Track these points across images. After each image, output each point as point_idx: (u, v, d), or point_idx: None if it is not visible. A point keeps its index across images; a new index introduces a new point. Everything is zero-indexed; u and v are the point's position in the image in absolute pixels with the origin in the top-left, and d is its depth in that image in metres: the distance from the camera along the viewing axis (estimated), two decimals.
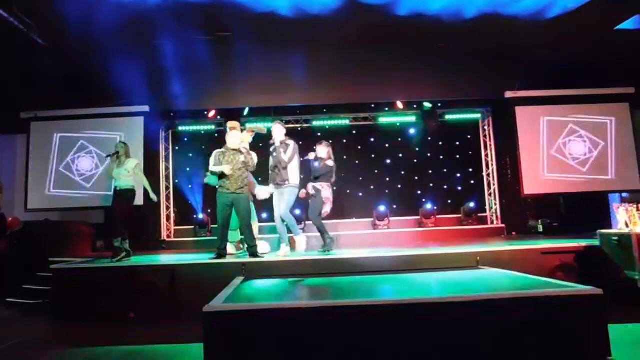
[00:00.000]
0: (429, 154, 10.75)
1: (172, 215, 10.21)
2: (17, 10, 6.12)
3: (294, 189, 6.01)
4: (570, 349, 3.11)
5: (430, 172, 10.70)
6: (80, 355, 4.20)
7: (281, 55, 8.05)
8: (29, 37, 6.60)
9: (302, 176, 6.35)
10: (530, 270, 4.79)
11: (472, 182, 10.69)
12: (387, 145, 10.80)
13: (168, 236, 9.93)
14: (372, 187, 10.72)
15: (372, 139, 10.84)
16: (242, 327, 3.05)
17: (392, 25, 7.27)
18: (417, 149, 10.77)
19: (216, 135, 10.34)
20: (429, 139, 10.69)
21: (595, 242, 5.86)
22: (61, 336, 4.92)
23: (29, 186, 8.85)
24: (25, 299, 6.41)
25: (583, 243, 5.90)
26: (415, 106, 10.20)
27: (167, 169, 10.20)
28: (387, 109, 10.44)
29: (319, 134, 10.62)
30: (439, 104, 10.16)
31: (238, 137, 5.90)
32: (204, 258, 5.73)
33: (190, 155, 10.47)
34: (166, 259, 6.49)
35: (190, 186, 10.27)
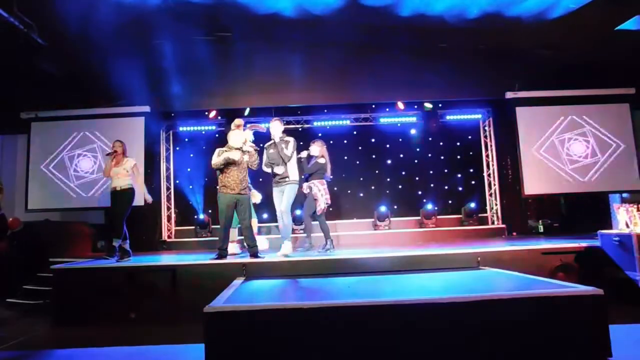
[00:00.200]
0: (429, 155, 10.74)
1: (173, 215, 10.22)
2: (17, 10, 6.12)
3: (295, 186, 6.02)
4: (570, 349, 3.11)
5: (431, 172, 10.69)
6: (81, 356, 4.20)
7: (282, 55, 8.06)
8: (30, 37, 6.59)
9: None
10: (531, 270, 4.80)
11: (473, 182, 10.68)
12: (387, 146, 10.79)
13: (169, 236, 9.93)
14: (372, 187, 10.71)
15: (373, 140, 10.83)
16: (242, 327, 3.05)
17: (393, 25, 7.26)
18: (417, 150, 10.77)
19: (217, 135, 10.36)
20: (430, 139, 10.68)
21: (596, 243, 5.86)
22: (62, 337, 4.92)
23: (29, 186, 8.84)
24: (25, 299, 6.42)
25: (583, 243, 5.90)
26: (415, 106, 10.21)
27: (167, 169, 10.20)
28: (387, 109, 10.44)
29: (320, 134, 10.61)
30: (440, 105, 10.15)
31: (241, 136, 5.88)
32: (205, 258, 5.73)
33: (191, 155, 10.46)
34: (167, 259, 6.50)
35: (190, 186, 10.26)
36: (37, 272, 6.71)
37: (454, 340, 3.08)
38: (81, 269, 5.68)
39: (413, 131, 10.74)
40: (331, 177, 6.52)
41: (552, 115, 9.13)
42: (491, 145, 10.33)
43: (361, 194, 10.67)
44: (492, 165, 10.31)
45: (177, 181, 10.33)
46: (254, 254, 5.72)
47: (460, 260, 5.47)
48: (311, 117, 10.45)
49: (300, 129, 10.39)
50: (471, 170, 10.72)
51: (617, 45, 7.77)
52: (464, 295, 3.28)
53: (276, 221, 6.39)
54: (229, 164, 5.68)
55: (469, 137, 10.73)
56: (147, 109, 9.02)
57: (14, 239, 7.32)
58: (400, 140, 10.78)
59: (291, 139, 6.03)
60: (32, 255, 7.07)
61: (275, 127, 6.05)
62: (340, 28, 7.17)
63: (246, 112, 9.88)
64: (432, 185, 10.66)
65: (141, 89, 8.21)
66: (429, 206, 10.07)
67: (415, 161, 10.74)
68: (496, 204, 10.19)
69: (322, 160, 6.41)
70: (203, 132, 10.45)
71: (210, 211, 9.93)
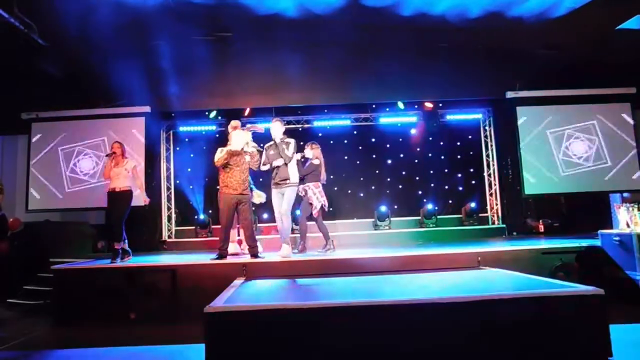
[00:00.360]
0: (430, 154, 10.73)
1: (173, 215, 10.22)
2: (17, 11, 6.12)
3: (295, 188, 6.01)
4: (571, 349, 3.11)
5: (431, 172, 10.68)
6: (82, 356, 4.21)
7: (282, 55, 8.04)
8: (30, 37, 6.60)
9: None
10: (531, 270, 4.80)
11: (473, 182, 10.68)
12: (388, 146, 10.79)
13: (169, 237, 9.94)
14: (373, 187, 10.71)
15: (373, 139, 10.83)
16: (243, 327, 3.05)
17: (393, 25, 7.26)
18: (418, 149, 10.76)
19: (217, 135, 10.36)
20: (430, 139, 10.68)
21: (596, 242, 5.86)
22: (62, 337, 4.92)
23: (29, 187, 8.85)
24: (26, 299, 6.42)
25: (584, 243, 5.90)
26: (416, 106, 10.21)
27: (167, 169, 10.21)
28: (388, 109, 10.44)
29: (320, 134, 10.63)
30: (440, 104, 10.15)
31: (244, 137, 5.87)
32: (205, 258, 5.73)
33: (191, 155, 10.47)
34: (167, 259, 6.49)
35: (191, 187, 10.26)
36: (37, 273, 6.72)
37: (454, 340, 3.08)
38: (81, 270, 5.68)
39: (413, 131, 10.74)
40: (324, 181, 6.49)
41: (552, 115, 9.12)
42: (491, 145, 10.33)
43: (361, 194, 10.67)
44: (493, 165, 10.31)
45: (178, 181, 10.33)
46: (254, 254, 5.72)
47: (461, 260, 5.47)
48: (311, 117, 10.46)
49: (300, 129, 10.39)
50: (471, 170, 10.72)
51: (617, 45, 7.76)
52: (464, 295, 3.28)
53: (275, 222, 6.36)
54: (230, 164, 5.68)
55: (470, 136, 10.73)
56: (147, 109, 9.02)
57: (15, 239, 7.32)
58: (401, 140, 10.78)
59: (292, 140, 6.02)
60: (32, 255, 7.07)
61: (276, 128, 6.03)
62: (340, 28, 7.16)
63: (246, 112, 9.90)
64: (432, 185, 10.65)
65: (141, 89, 8.21)
66: (429, 206, 10.07)
67: (416, 161, 10.74)
68: (496, 204, 10.19)
69: (316, 162, 6.42)
70: (203, 133, 10.45)
71: (210, 211, 9.93)
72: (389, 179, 10.73)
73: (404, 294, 3.80)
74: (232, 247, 6.35)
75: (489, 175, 10.42)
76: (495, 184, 10.26)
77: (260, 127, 6.31)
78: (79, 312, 5.34)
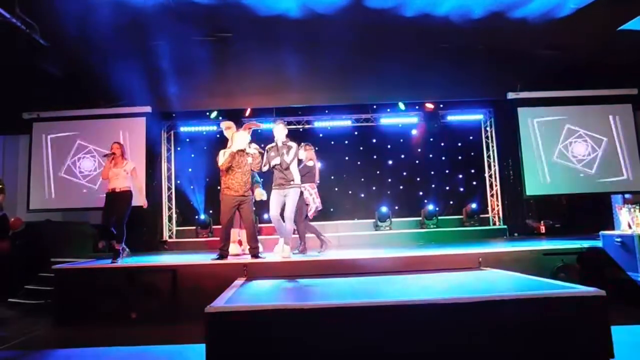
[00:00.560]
0: (430, 155, 10.73)
1: (174, 216, 10.23)
2: (19, 11, 6.12)
3: (298, 189, 5.98)
4: (572, 350, 3.10)
5: (432, 173, 10.68)
6: (82, 356, 4.21)
7: (283, 55, 8.04)
8: (31, 38, 6.60)
9: None
10: (532, 271, 4.79)
11: (474, 183, 10.68)
12: (388, 146, 10.78)
13: (170, 237, 9.94)
14: (373, 188, 10.71)
15: (374, 140, 10.83)
16: (243, 327, 3.05)
17: (394, 26, 7.25)
18: (419, 150, 10.76)
19: (217, 136, 10.35)
20: (431, 139, 10.68)
21: (598, 243, 5.85)
22: (63, 336, 4.92)
23: (31, 187, 8.86)
24: (27, 299, 6.43)
25: (585, 244, 5.89)
26: (417, 107, 10.20)
27: (168, 169, 10.21)
28: (389, 109, 10.44)
29: (321, 135, 10.63)
30: (441, 105, 10.15)
31: (246, 138, 5.88)
32: (206, 259, 5.73)
33: (192, 156, 10.48)
34: (168, 259, 6.49)
35: (192, 187, 10.27)
36: (38, 272, 6.72)
37: (455, 341, 3.07)
38: (82, 269, 5.68)
39: (414, 132, 10.74)
40: (318, 182, 6.51)
41: (554, 116, 9.11)
42: (492, 146, 10.32)
43: (362, 195, 10.67)
44: (494, 165, 10.30)
45: (178, 181, 10.34)
46: (255, 255, 5.72)
47: (462, 261, 5.46)
48: (312, 118, 10.46)
49: (301, 129, 10.39)
50: (472, 171, 10.71)
51: (619, 46, 7.75)
52: (465, 296, 3.27)
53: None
54: (232, 165, 5.70)
55: (471, 137, 10.73)
56: (148, 109, 9.03)
57: (16, 239, 7.33)
58: (402, 140, 10.78)
59: (294, 145, 5.93)
60: (33, 255, 7.08)
61: (279, 131, 5.97)
62: (341, 28, 7.15)
63: (247, 113, 9.90)
64: (433, 185, 10.65)
65: (142, 89, 8.22)
66: (430, 207, 10.07)
67: (417, 162, 10.74)
68: (497, 205, 10.18)
69: (310, 163, 6.44)
70: (204, 133, 10.45)
71: (211, 211, 9.93)
72: (389, 180, 10.72)
73: (405, 295, 3.80)
74: (232, 248, 6.36)
75: (490, 176, 10.41)
76: (496, 185, 10.25)
77: (259, 124, 6.31)
78: (79, 312, 5.34)
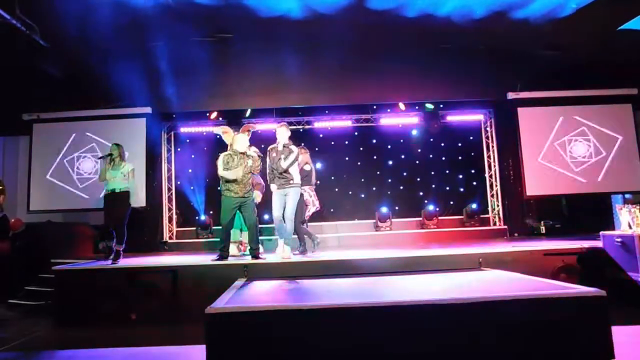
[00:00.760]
0: (431, 155, 10.73)
1: (174, 216, 10.22)
2: (19, 12, 6.13)
3: (298, 189, 5.99)
4: (572, 351, 3.10)
5: (432, 173, 10.68)
6: (83, 357, 4.21)
7: (283, 56, 8.04)
8: (32, 38, 6.61)
9: None
10: (533, 271, 4.78)
11: (474, 183, 10.67)
12: (389, 147, 10.78)
13: (170, 237, 9.93)
14: (374, 188, 10.71)
15: (374, 140, 10.83)
16: (244, 328, 3.05)
17: (395, 27, 7.25)
18: (419, 150, 10.76)
19: (218, 137, 10.33)
20: (431, 140, 10.67)
21: (598, 244, 5.85)
22: (63, 337, 4.92)
23: (31, 187, 8.86)
24: (27, 300, 6.43)
25: (586, 244, 5.89)
26: (417, 107, 10.20)
27: (168, 170, 10.21)
28: (389, 110, 10.44)
29: (321, 135, 10.64)
30: (441, 105, 10.14)
31: (246, 141, 5.90)
32: (206, 259, 5.73)
33: (192, 156, 10.48)
34: (168, 260, 6.49)
35: (192, 187, 10.27)
36: (38, 273, 6.73)
37: (456, 341, 3.07)
38: (83, 270, 5.68)
39: (415, 132, 10.74)
40: (318, 182, 6.52)
41: (554, 116, 9.11)
42: (493, 146, 10.32)
43: (362, 195, 10.67)
44: (494, 166, 10.30)
45: (179, 182, 10.34)
46: (256, 256, 5.72)
47: (462, 261, 5.45)
48: (312, 118, 10.45)
49: (301, 130, 10.39)
50: (473, 171, 10.71)
51: (619, 46, 7.75)
52: (465, 296, 3.27)
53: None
54: (231, 167, 5.74)
55: (471, 137, 10.72)
56: (148, 110, 9.04)
57: (16, 240, 7.33)
58: (402, 141, 10.78)
59: (294, 150, 5.90)
60: (33, 256, 7.08)
61: (282, 133, 5.93)
62: (342, 28, 7.16)
63: (247, 113, 9.91)
64: (433, 186, 10.65)
65: (142, 90, 8.23)
66: (430, 207, 10.07)
67: (417, 162, 10.74)
68: (498, 205, 10.17)
69: (307, 167, 6.46)
70: (204, 134, 10.44)
71: (211, 212, 9.93)
72: (390, 180, 10.72)
73: (405, 295, 3.80)
74: (233, 248, 6.36)
75: (490, 176, 10.41)
76: (496, 185, 10.24)
77: (256, 126, 6.33)
78: (80, 313, 5.34)
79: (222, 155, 5.87)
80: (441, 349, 3.06)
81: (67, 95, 8.69)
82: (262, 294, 4.22)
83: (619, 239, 5.54)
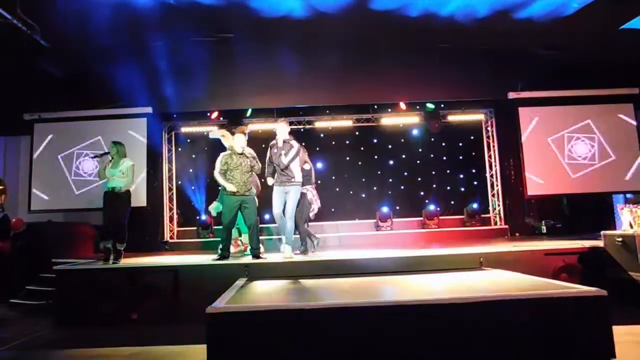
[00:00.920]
0: (431, 155, 10.72)
1: (175, 216, 10.23)
2: (20, 12, 6.13)
3: (299, 187, 5.97)
4: (573, 350, 3.10)
5: (433, 173, 10.66)
6: (83, 357, 4.21)
7: (284, 55, 8.04)
8: (33, 38, 6.61)
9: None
10: (534, 271, 4.78)
11: (475, 183, 10.66)
12: (390, 146, 10.77)
13: (171, 237, 9.94)
14: (374, 188, 10.70)
15: (375, 140, 10.82)
16: (244, 327, 3.05)
17: (395, 26, 7.25)
18: (420, 150, 10.75)
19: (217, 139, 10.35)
20: (432, 139, 10.66)
21: (599, 243, 5.84)
22: (64, 337, 4.93)
23: (32, 187, 8.87)
24: (28, 299, 6.43)
25: (587, 244, 5.88)
26: (418, 107, 10.19)
27: (169, 170, 10.21)
28: (389, 109, 10.43)
29: (322, 135, 10.63)
30: (442, 105, 10.14)
31: (243, 141, 5.90)
32: (207, 259, 5.73)
33: (193, 156, 10.48)
34: (169, 260, 6.49)
35: (192, 187, 10.27)
36: (39, 273, 6.73)
37: (457, 341, 3.07)
38: (83, 270, 5.69)
39: (416, 132, 10.73)
40: (318, 182, 6.53)
41: (555, 116, 9.09)
42: (494, 146, 10.31)
43: (363, 195, 10.66)
44: (495, 165, 10.28)
45: (179, 182, 10.34)
46: (257, 255, 5.73)
47: (463, 261, 5.45)
48: (313, 118, 10.44)
49: (302, 130, 10.38)
50: (473, 171, 10.69)
51: (620, 45, 7.74)
52: (466, 296, 3.27)
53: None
54: (231, 167, 5.75)
55: (472, 137, 10.71)
56: (149, 110, 9.03)
57: (17, 239, 7.34)
58: (402, 140, 10.77)
59: (295, 146, 5.87)
60: (34, 256, 7.09)
61: (281, 129, 5.88)
62: (342, 28, 7.16)
63: (248, 113, 9.91)
64: (434, 185, 10.63)
65: (143, 90, 8.23)
66: (431, 207, 10.06)
67: (418, 162, 10.72)
68: (499, 205, 10.16)
69: (307, 166, 6.45)
70: (205, 133, 10.43)
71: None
72: (390, 180, 10.71)
73: (406, 295, 3.80)
74: (233, 248, 6.37)
75: (491, 176, 10.40)
76: (497, 185, 10.23)
77: (246, 127, 6.37)
78: (80, 313, 5.34)
79: (221, 155, 5.89)
80: (442, 348, 3.06)
81: (68, 95, 8.68)
82: (263, 293, 4.22)
83: (620, 239, 5.53)
